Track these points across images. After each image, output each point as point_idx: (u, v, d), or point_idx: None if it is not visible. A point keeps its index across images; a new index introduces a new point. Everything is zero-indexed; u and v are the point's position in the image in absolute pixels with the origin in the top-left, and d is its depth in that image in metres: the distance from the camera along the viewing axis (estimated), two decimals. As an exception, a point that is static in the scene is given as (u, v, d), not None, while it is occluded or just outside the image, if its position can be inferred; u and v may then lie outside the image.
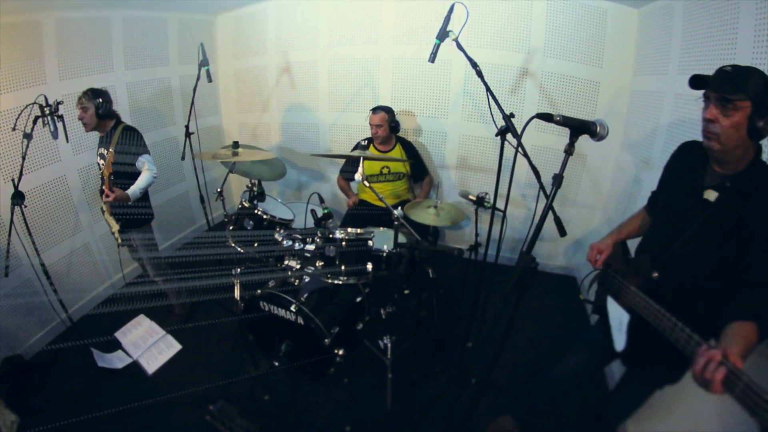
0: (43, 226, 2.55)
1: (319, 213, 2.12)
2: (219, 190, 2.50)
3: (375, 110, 2.92)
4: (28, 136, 1.89)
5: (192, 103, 2.69)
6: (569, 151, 1.21)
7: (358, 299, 2.37)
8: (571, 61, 2.81)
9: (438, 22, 1.90)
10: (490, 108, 1.77)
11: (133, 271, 3.22)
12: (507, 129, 1.70)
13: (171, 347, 2.61)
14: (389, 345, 2.29)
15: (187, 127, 2.71)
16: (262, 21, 3.57)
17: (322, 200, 2.20)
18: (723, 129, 1.09)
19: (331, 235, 2.09)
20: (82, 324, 2.73)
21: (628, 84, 2.75)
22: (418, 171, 3.23)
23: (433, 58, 1.96)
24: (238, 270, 2.28)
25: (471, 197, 2.39)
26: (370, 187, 1.92)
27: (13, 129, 1.87)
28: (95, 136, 2.39)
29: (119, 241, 2.43)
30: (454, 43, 1.89)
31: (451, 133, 3.34)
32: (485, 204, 2.32)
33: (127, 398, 2.13)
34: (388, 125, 2.93)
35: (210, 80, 2.71)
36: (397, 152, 3.10)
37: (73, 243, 2.75)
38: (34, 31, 2.38)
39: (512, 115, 1.70)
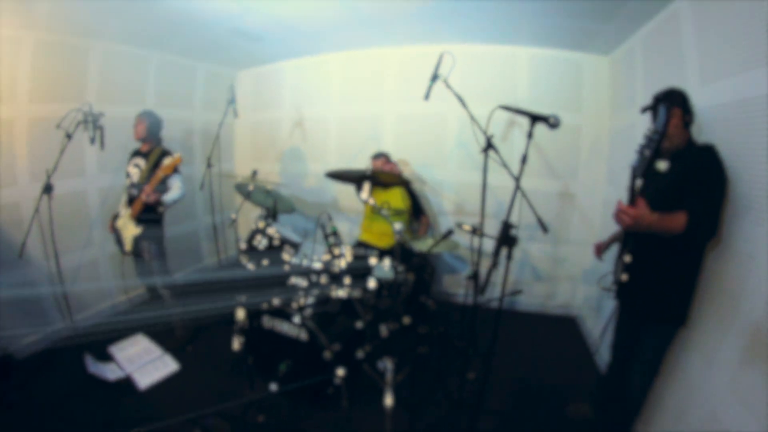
0: (58, 234, 2.64)
1: (328, 230, 2.28)
2: (234, 216, 2.66)
3: (376, 156, 3.25)
4: (69, 136, 2.12)
5: (217, 136, 2.97)
6: (530, 134, 1.68)
7: (359, 325, 2.37)
8: (553, 109, 3.18)
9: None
10: (475, 133, 2.08)
11: (137, 297, 3.23)
12: (489, 146, 1.95)
13: (167, 366, 2.55)
14: (389, 368, 2.25)
15: (209, 158, 2.95)
16: (279, 79, 4.08)
17: (330, 218, 2.36)
18: (669, 132, 1.55)
19: (336, 250, 2.23)
20: (78, 337, 2.69)
21: (607, 124, 3.12)
22: (417, 207, 3.43)
23: (427, 96, 2.28)
24: (243, 297, 2.35)
25: (466, 227, 2.55)
26: (374, 206, 2.10)
27: (58, 127, 2.11)
28: (119, 159, 2.73)
29: (128, 248, 2.54)
30: (448, 97, 2.27)
31: (447, 180, 3.62)
32: (479, 234, 2.47)
33: (113, 409, 2.05)
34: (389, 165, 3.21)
35: (236, 116, 3.03)
36: (398, 191, 3.32)
37: (82, 256, 2.82)
38: (82, 55, 2.81)
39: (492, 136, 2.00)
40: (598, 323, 2.81)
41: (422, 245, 2.64)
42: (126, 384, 2.36)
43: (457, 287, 3.76)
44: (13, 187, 2.49)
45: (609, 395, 2.09)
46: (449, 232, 2.40)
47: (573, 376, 2.62)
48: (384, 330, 2.35)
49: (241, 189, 2.80)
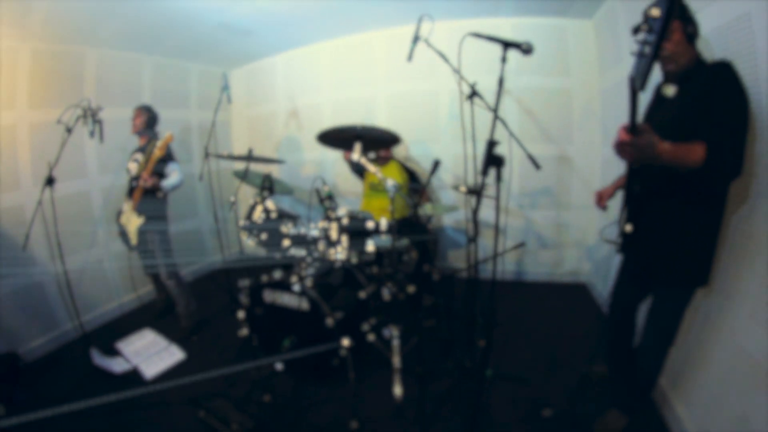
0: (62, 235, 2.67)
1: (323, 194, 2.28)
2: (233, 199, 2.68)
3: None
4: (69, 130, 2.18)
5: (213, 125, 3.02)
6: (504, 59, 1.58)
7: (362, 296, 2.34)
8: (542, 75, 3.20)
9: (422, 59, 2.41)
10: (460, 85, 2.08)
11: (145, 294, 3.26)
12: (474, 94, 1.95)
13: (173, 356, 2.55)
14: (395, 335, 2.22)
15: (206, 147, 3.00)
16: (271, 72, 4.16)
17: (324, 182, 2.36)
18: (671, 50, 1.34)
19: (333, 214, 2.23)
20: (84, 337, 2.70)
21: (596, 85, 3.09)
22: (415, 182, 3.42)
23: (410, 57, 2.29)
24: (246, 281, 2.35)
25: (462, 189, 2.54)
26: (365, 165, 2.09)
27: (58, 122, 2.17)
28: (119, 159, 2.82)
29: (134, 242, 2.57)
30: (438, 74, 2.26)
31: (442, 155, 3.61)
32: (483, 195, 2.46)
33: (119, 400, 2.05)
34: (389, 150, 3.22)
35: (230, 101, 3.09)
36: (394, 167, 3.33)
37: (87, 256, 2.87)
38: (78, 61, 2.91)
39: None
40: (610, 287, 2.75)
41: (421, 210, 2.62)
42: (133, 375, 2.37)
43: (461, 261, 3.72)
44: (17, 191, 2.57)
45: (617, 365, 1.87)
46: (436, 164, 2.42)
47: (588, 341, 2.49)
48: (386, 294, 2.34)
49: (239, 174, 2.84)
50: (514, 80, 3.25)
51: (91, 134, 2.28)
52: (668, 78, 1.44)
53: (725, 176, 1.27)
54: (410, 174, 3.36)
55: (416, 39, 2.24)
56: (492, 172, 1.43)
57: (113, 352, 2.58)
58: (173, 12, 2.70)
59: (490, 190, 1.51)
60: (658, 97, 1.52)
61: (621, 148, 1.14)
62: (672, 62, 1.37)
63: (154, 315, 3.10)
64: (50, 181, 2.16)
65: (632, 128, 1.09)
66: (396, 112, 3.69)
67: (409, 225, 2.76)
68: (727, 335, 1.47)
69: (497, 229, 1.50)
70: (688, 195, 1.35)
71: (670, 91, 1.42)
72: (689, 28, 1.33)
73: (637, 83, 0.98)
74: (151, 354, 2.54)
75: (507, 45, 1.56)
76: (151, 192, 2.62)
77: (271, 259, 2.36)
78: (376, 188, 3.24)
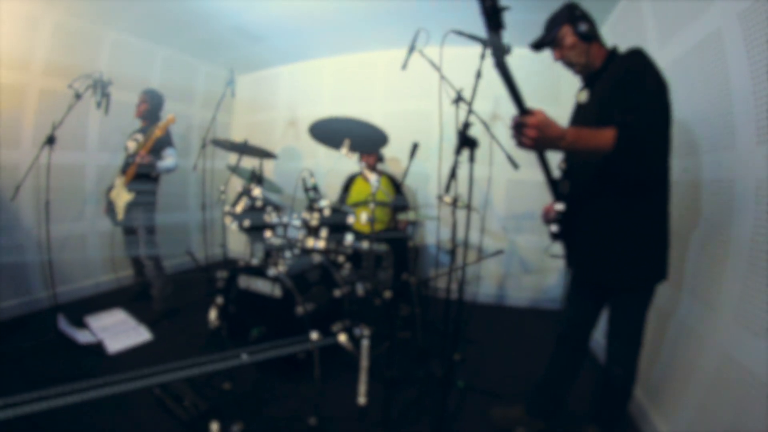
0: (51, 203, 2.70)
1: (308, 184, 2.34)
2: (222, 188, 2.74)
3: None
4: (78, 96, 2.29)
5: (214, 118, 3.14)
6: (483, 56, 1.65)
7: (338, 294, 2.34)
8: (533, 102, 3.26)
9: (419, 83, 2.65)
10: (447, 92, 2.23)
11: (124, 278, 3.24)
12: (459, 98, 2.06)
13: (140, 336, 2.50)
14: (365, 334, 2.19)
15: (204, 138, 3.10)
16: (275, 82, 4.37)
17: (312, 174, 2.43)
18: (567, 55, 1.39)
19: (315, 204, 2.28)
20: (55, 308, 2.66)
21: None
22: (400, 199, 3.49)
23: (404, 66, 2.43)
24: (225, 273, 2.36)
25: (446, 200, 2.60)
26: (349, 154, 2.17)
27: (69, 86, 2.28)
28: (118, 141, 2.93)
29: (120, 217, 2.61)
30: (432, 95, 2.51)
31: (433, 173, 3.72)
32: (458, 204, 2.51)
33: (76, 366, 2.03)
34: (376, 156, 3.33)
35: (233, 95, 3.22)
36: (384, 180, 3.42)
37: (72, 229, 2.88)
38: (95, 39, 3.07)
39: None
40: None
41: (403, 215, 2.66)
42: (95, 348, 2.32)
43: (441, 281, 3.70)
44: (16, 150, 2.64)
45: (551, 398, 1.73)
46: (415, 147, 2.50)
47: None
48: (360, 290, 2.33)
49: (231, 168, 2.91)
50: (507, 106, 3.40)
51: (98, 105, 2.39)
52: (584, 83, 1.46)
53: (642, 157, 1.17)
54: (397, 188, 3.44)
55: (412, 49, 2.38)
56: (465, 153, 1.46)
57: (82, 326, 2.54)
58: (194, 6, 2.88)
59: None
60: (577, 106, 1.51)
61: (518, 131, 1.08)
62: (575, 66, 1.40)
63: (129, 298, 3.06)
64: (51, 140, 2.24)
65: (522, 110, 1.07)
66: (392, 130, 3.80)
67: (390, 234, 2.81)
68: (710, 343, 1.45)
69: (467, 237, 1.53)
70: (619, 188, 1.29)
71: (582, 96, 1.44)
72: (581, 28, 1.34)
73: (497, 55, 0.99)
74: (118, 331, 2.49)
75: (486, 43, 1.64)
76: (145, 173, 2.68)
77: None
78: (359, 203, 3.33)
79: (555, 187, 1.44)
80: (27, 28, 2.63)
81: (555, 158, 1.45)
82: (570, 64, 1.42)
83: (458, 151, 1.45)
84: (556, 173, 1.48)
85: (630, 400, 1.54)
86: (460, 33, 1.76)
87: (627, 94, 1.18)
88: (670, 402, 1.66)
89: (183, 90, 3.94)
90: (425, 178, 3.75)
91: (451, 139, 3.58)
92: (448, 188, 1.51)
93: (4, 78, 2.53)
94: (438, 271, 3.67)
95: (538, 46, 1.45)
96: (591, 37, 1.36)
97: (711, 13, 1.53)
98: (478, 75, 1.65)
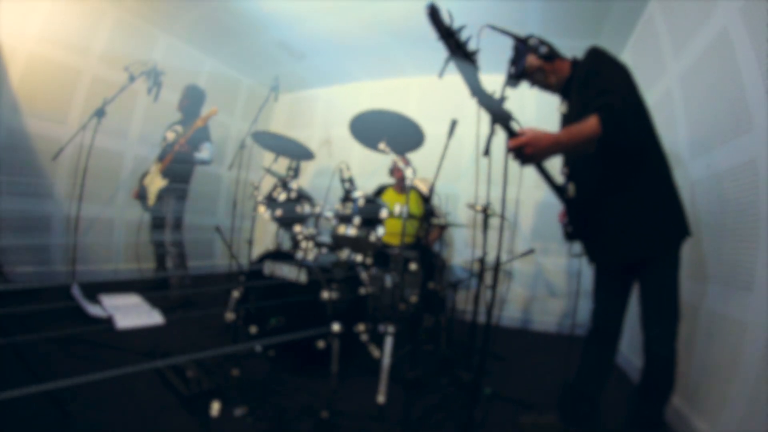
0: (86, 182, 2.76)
1: (344, 176, 2.37)
2: (255, 185, 2.79)
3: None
4: (132, 78, 2.42)
5: (255, 120, 3.24)
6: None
7: (363, 292, 2.27)
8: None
9: (454, 102, 2.80)
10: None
11: (143, 270, 3.20)
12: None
13: (152, 318, 2.40)
14: (390, 331, 2.07)
15: (243, 141, 3.19)
16: (313, 102, 4.59)
17: (348, 168, 2.46)
18: (540, 79, 1.53)
19: (350, 195, 2.29)
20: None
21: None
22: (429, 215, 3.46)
23: (441, 74, 2.50)
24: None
25: (477, 207, 2.59)
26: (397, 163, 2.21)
27: (125, 69, 2.41)
28: (157, 137, 3.00)
29: (152, 203, 2.63)
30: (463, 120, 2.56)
31: (462, 195, 3.73)
32: (489, 213, 2.49)
33: (82, 337, 1.96)
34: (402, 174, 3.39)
35: (276, 99, 3.34)
36: (413, 197, 3.42)
37: (100, 211, 2.89)
38: (150, 41, 3.30)
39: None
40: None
41: (435, 220, 2.63)
42: (104, 322, 2.23)
43: (466, 303, 3.55)
44: (61, 126, 2.75)
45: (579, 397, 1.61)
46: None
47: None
48: (388, 282, 2.25)
49: (265, 168, 2.98)
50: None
51: (149, 91, 2.51)
52: (562, 96, 1.56)
53: (629, 130, 1.21)
54: (425, 201, 3.43)
55: (449, 59, 2.49)
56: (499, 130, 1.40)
57: (94, 302, 2.46)
58: (242, 16, 3.08)
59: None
60: (561, 118, 1.58)
61: (516, 152, 1.22)
62: (551, 87, 1.53)
63: (146, 287, 2.97)
64: (100, 113, 2.33)
65: (510, 133, 1.22)
66: (423, 151, 3.91)
67: (418, 249, 2.79)
68: (752, 327, 1.33)
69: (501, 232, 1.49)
70: (619, 168, 1.35)
71: (563, 108, 1.53)
72: (542, 50, 1.49)
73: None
74: (130, 311, 2.40)
75: (517, 39, 1.62)
76: (181, 163, 2.74)
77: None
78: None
79: (560, 191, 1.49)
80: (92, 18, 2.86)
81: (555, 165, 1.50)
82: (546, 86, 1.55)
83: (492, 130, 1.41)
84: (560, 179, 1.53)
85: (672, 392, 1.38)
86: (494, 28, 1.81)
87: (595, 84, 1.29)
88: (712, 401, 1.50)
89: (224, 101, 4.13)
90: (455, 199, 3.76)
91: (481, 162, 3.62)
92: (486, 151, 1.48)
93: (62, 58, 2.71)
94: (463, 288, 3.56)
95: (513, 81, 1.56)
96: (552, 56, 1.51)
97: (715, 16, 1.65)
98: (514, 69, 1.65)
